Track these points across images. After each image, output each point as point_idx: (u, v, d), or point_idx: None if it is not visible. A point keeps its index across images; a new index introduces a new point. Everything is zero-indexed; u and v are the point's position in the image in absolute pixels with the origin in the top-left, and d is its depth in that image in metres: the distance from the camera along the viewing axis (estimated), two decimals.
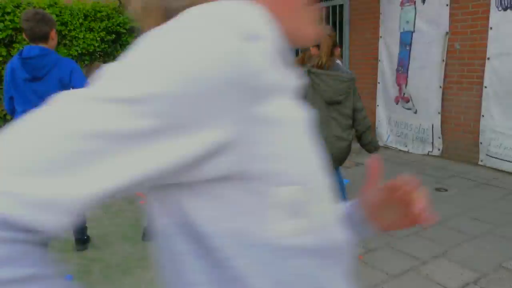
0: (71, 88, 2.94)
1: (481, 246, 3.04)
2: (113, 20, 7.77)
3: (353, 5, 6.24)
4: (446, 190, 4.22)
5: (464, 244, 3.07)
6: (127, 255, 3.07)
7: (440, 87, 5.24)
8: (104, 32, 7.68)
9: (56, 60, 2.82)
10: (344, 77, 2.50)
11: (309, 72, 2.48)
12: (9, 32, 6.71)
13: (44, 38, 2.76)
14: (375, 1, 5.86)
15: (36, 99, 2.83)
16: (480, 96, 4.88)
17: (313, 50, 2.53)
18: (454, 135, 5.25)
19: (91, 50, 7.58)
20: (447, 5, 5.04)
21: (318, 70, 2.44)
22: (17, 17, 6.79)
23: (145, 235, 3.28)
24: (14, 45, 6.69)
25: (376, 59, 6.02)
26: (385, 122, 6.03)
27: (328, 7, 6.49)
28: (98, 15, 7.64)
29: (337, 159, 2.74)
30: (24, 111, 2.82)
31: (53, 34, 2.83)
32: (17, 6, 6.90)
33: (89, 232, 3.46)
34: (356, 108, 2.66)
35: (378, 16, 5.88)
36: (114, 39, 7.86)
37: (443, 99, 5.27)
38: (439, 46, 5.17)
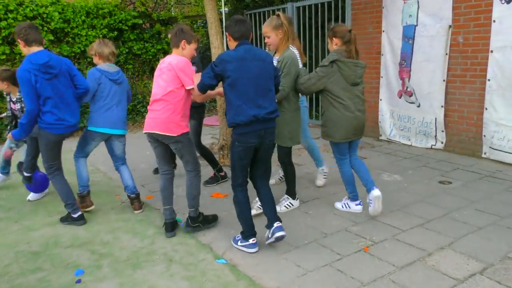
0: (75, 78, 3.51)
1: (487, 237, 3.07)
2: (115, 17, 7.74)
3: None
4: (450, 183, 4.24)
5: (469, 236, 3.10)
6: (136, 250, 3.10)
7: (444, 80, 5.25)
8: (106, 29, 7.66)
9: (58, 58, 3.41)
10: (362, 65, 3.37)
11: (334, 61, 3.22)
12: (12, 30, 6.68)
13: (41, 42, 3.37)
14: None
15: (55, 93, 3.33)
16: (484, 89, 4.89)
17: (337, 42, 3.29)
18: (458, 128, 5.27)
19: None
20: None
21: (346, 59, 3.25)
22: (20, 15, 6.78)
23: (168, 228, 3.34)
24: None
25: (378, 53, 6.02)
26: (388, 116, 6.05)
27: (330, 1, 6.50)
28: (100, 12, 7.61)
29: (360, 130, 3.44)
30: (52, 105, 3.35)
31: (43, 41, 3.45)
32: (20, 4, 6.88)
33: (97, 228, 3.50)
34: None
35: (381, 10, 5.88)
36: (116, 36, 7.83)
37: (446, 93, 5.28)
38: (442, 39, 5.17)
